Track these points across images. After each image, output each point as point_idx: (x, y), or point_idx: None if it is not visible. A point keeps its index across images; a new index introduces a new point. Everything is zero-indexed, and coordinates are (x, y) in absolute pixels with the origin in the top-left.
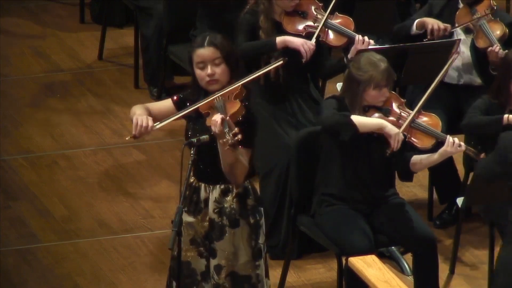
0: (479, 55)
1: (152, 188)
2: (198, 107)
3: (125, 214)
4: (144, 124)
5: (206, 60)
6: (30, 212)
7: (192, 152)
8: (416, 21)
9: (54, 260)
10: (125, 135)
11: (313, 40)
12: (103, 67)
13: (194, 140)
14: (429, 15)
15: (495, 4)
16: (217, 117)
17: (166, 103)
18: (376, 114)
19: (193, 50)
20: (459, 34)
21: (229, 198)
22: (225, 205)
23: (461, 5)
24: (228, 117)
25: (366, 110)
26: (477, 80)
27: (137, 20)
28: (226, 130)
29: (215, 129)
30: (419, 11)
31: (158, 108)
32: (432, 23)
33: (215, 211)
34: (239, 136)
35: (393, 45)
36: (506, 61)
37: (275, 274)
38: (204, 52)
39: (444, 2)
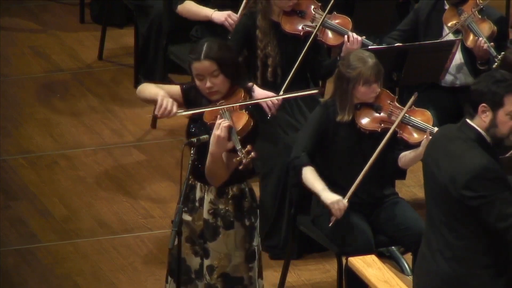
0: (470, 55)
1: (152, 188)
2: (203, 116)
3: (125, 214)
4: (168, 108)
5: (203, 73)
6: (30, 212)
7: (192, 152)
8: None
9: (54, 260)
10: (125, 135)
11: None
12: (103, 67)
13: (194, 140)
14: (416, 21)
15: (481, 1)
16: (224, 122)
17: (175, 89)
18: (365, 117)
19: (191, 61)
20: (447, 36)
21: (224, 199)
22: (220, 207)
23: (447, 7)
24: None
25: (358, 108)
26: (473, 80)
27: (136, 20)
28: (238, 147)
29: (219, 132)
30: (405, 20)
31: (168, 91)
32: None
33: (210, 212)
34: (253, 154)
35: (393, 45)
36: (507, 63)
37: (275, 274)
38: (201, 65)
39: (430, 7)
